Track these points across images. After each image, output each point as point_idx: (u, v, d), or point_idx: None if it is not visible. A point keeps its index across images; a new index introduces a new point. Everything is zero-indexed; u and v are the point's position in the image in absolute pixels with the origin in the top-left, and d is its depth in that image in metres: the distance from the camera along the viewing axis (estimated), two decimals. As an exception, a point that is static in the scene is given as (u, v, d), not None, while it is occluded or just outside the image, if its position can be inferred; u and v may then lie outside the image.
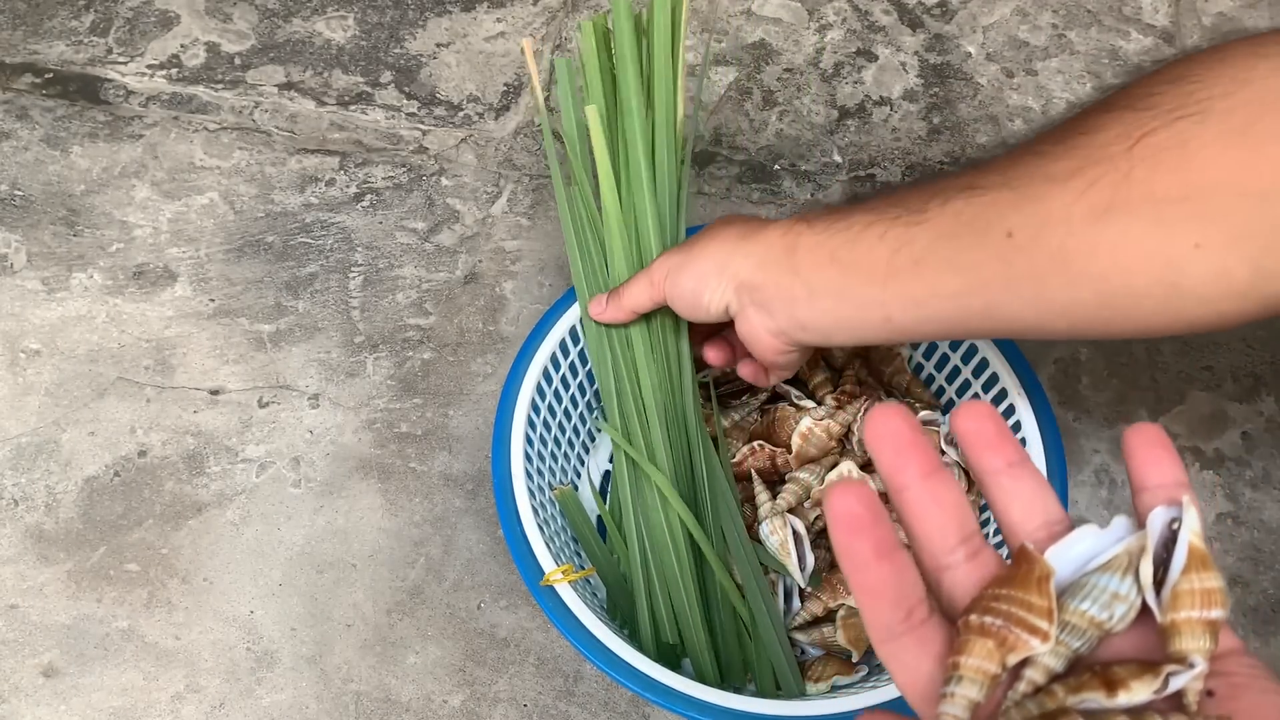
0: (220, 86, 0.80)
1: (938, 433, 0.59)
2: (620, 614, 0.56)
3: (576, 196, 0.56)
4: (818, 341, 0.48)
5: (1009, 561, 0.28)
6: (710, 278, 0.49)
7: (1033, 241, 0.40)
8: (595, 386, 0.62)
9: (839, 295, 0.45)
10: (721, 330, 0.58)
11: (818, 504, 0.57)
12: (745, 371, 0.58)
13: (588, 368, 0.61)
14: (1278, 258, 0.36)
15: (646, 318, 0.55)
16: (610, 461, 0.64)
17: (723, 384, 0.63)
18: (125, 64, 0.81)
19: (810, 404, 0.59)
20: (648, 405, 0.55)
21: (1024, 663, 0.26)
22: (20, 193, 0.75)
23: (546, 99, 0.79)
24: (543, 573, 0.50)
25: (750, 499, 0.58)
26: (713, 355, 0.57)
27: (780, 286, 0.47)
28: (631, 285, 0.53)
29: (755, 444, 0.58)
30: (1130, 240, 0.38)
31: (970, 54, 0.81)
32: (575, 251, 0.56)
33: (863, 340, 0.47)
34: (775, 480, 0.59)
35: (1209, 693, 0.26)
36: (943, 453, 0.59)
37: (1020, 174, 0.41)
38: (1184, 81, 0.38)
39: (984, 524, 0.55)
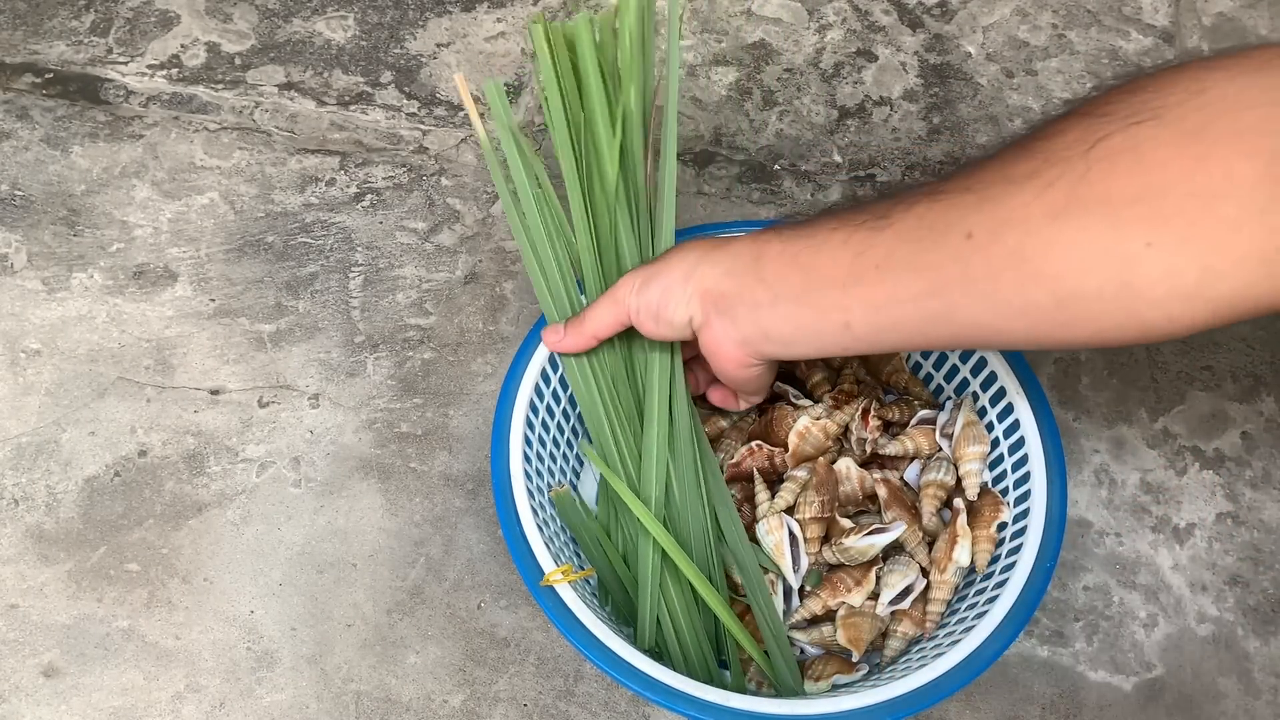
0: (220, 86, 0.80)
1: (934, 429, 0.60)
2: (620, 613, 0.56)
3: (541, 214, 0.55)
4: (780, 353, 0.48)
5: None
6: (675, 288, 0.49)
7: (991, 241, 0.40)
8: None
9: (801, 300, 0.46)
10: (687, 361, 0.58)
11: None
12: (715, 398, 0.58)
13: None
14: (1224, 258, 0.37)
15: (625, 339, 0.55)
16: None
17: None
18: (125, 64, 0.81)
19: (808, 403, 0.60)
20: (630, 425, 0.55)
21: None
22: (20, 193, 0.75)
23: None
24: (542, 573, 0.50)
25: (750, 498, 0.58)
26: None
27: (745, 293, 0.47)
28: (594, 308, 0.53)
29: (754, 444, 0.58)
30: (1085, 239, 0.38)
31: (970, 54, 0.81)
32: (539, 277, 0.55)
33: (824, 350, 0.47)
34: (774, 480, 0.59)
35: None
36: (939, 449, 0.59)
37: (981, 178, 0.41)
38: (1140, 91, 0.39)
39: (998, 480, 0.55)
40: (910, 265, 0.43)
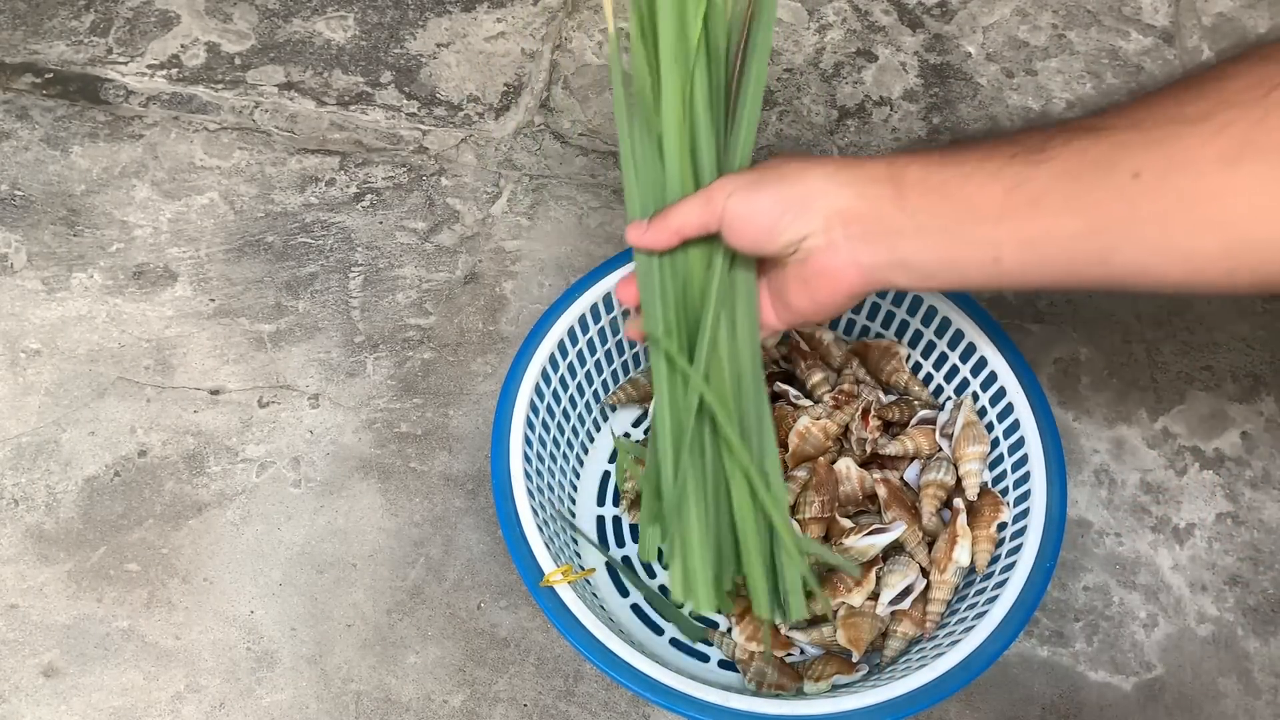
0: (220, 86, 0.80)
1: (934, 429, 0.60)
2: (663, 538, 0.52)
3: (637, 108, 0.49)
4: (913, 284, 0.46)
5: None
6: (794, 203, 0.45)
7: (1159, 183, 0.38)
8: (594, 387, 0.62)
9: (948, 232, 0.43)
10: None
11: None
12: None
13: (586, 368, 0.61)
14: None
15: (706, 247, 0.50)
16: (610, 462, 0.64)
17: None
18: (125, 64, 0.81)
19: (808, 403, 0.60)
20: (688, 343, 0.50)
21: None
22: (20, 193, 0.75)
23: (546, 99, 0.79)
24: (542, 573, 0.50)
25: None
26: None
27: (884, 220, 0.44)
28: (682, 205, 0.48)
29: (755, 444, 0.58)
30: (1259, 187, 0.37)
31: (970, 54, 0.81)
32: (631, 165, 0.50)
33: (965, 283, 0.45)
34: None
35: None
36: (939, 449, 0.59)
37: (1149, 116, 0.39)
38: None
39: (998, 480, 0.55)
40: (1070, 203, 0.41)
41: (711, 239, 0.49)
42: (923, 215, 0.44)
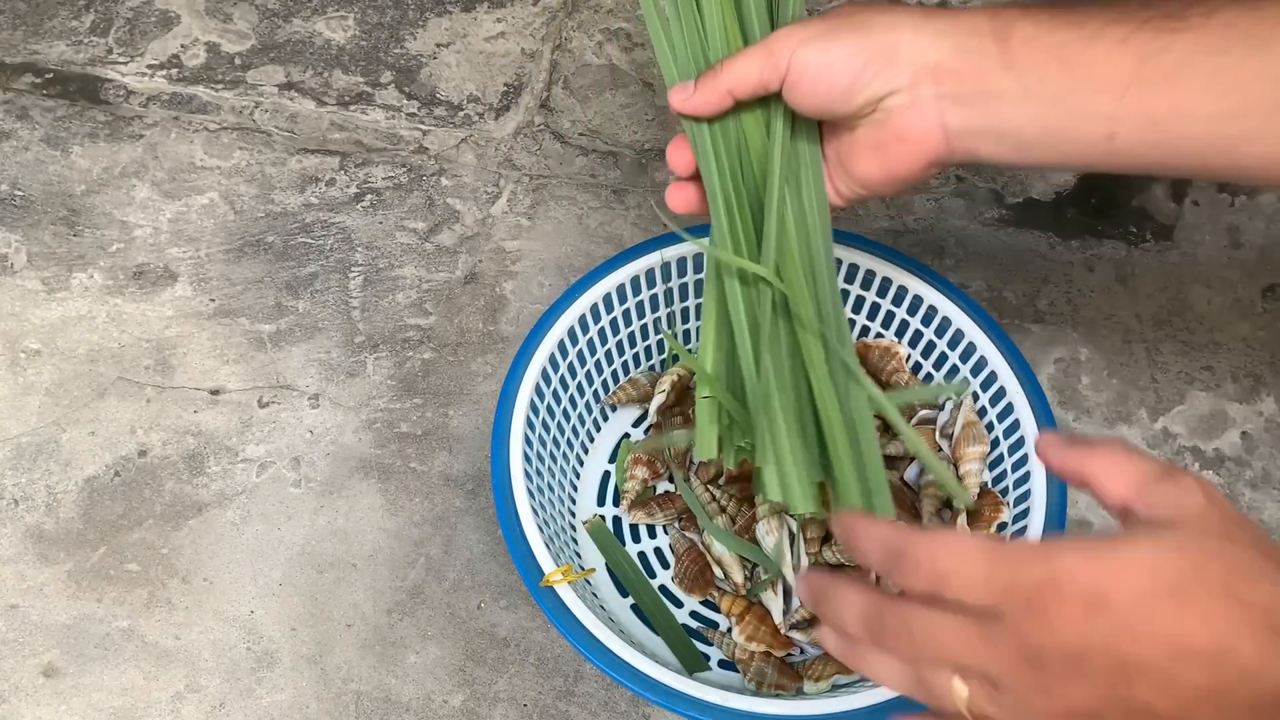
0: (220, 86, 0.80)
1: (934, 429, 0.60)
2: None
3: None
4: (1005, 154, 0.41)
5: None
6: (877, 54, 0.40)
7: None
8: (595, 387, 0.62)
9: (1059, 101, 0.38)
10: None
11: None
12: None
13: (586, 368, 0.61)
14: None
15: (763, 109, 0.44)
16: (610, 462, 0.64)
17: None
18: (125, 64, 0.81)
19: (810, 404, 0.59)
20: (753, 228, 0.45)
21: None
22: (20, 193, 0.75)
23: (546, 99, 0.79)
24: (542, 573, 0.50)
25: (749, 499, 0.58)
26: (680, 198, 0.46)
27: (984, 79, 0.39)
28: (738, 59, 0.42)
29: (755, 444, 0.58)
30: None
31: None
32: (658, 28, 0.44)
33: (1066, 161, 0.40)
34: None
35: None
36: (939, 448, 0.59)
37: None
38: None
39: (998, 481, 0.55)
40: (1211, 81, 0.36)
41: (767, 100, 0.43)
42: (1031, 78, 0.39)
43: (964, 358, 0.58)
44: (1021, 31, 0.39)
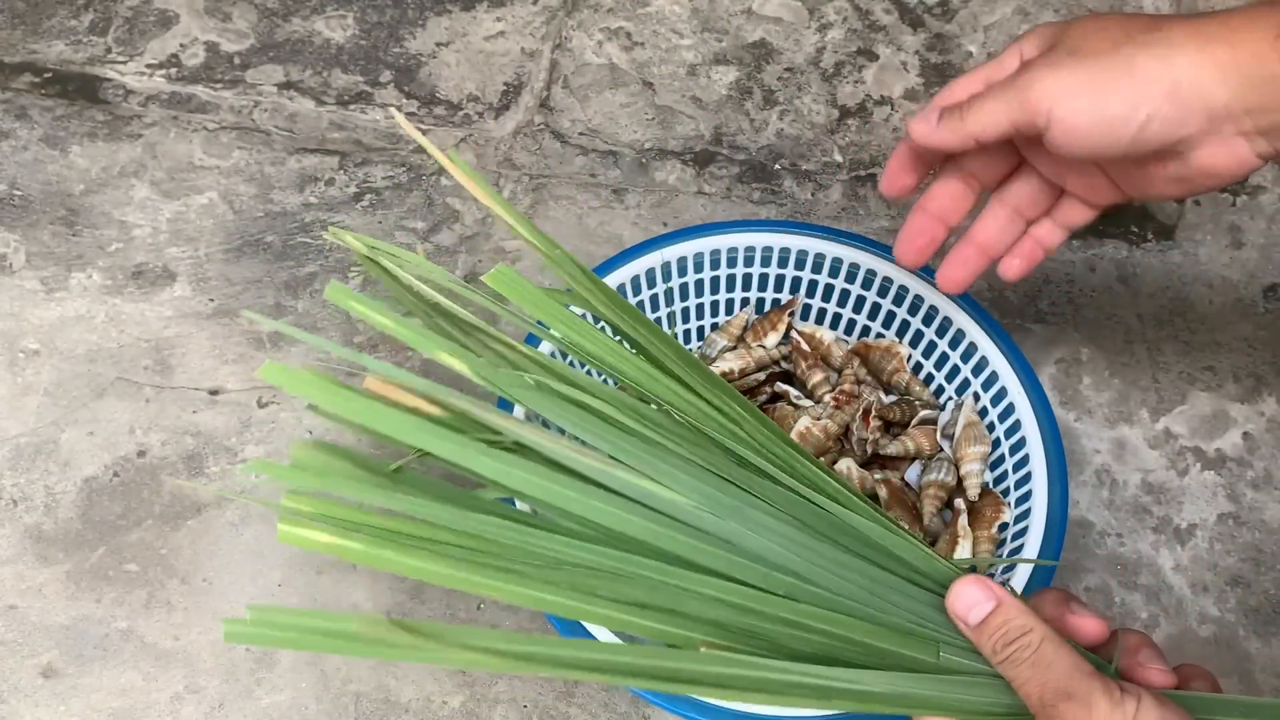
0: (219, 86, 0.80)
1: (935, 429, 0.59)
2: None
3: None
4: None
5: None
6: (1159, 104, 0.37)
7: None
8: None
9: None
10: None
11: None
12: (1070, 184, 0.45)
13: (585, 368, 0.60)
14: None
15: None
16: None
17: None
18: (124, 63, 0.81)
19: (808, 403, 0.59)
20: None
21: None
22: (19, 192, 0.75)
23: (546, 99, 0.79)
24: (542, 573, 0.50)
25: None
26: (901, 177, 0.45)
27: None
28: (985, 102, 0.40)
29: (755, 444, 0.58)
30: None
31: (971, 53, 0.81)
32: None
33: None
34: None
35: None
36: (939, 449, 0.59)
37: None
38: None
39: (999, 481, 0.55)
40: None
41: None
42: None
43: (965, 358, 0.58)
44: None
